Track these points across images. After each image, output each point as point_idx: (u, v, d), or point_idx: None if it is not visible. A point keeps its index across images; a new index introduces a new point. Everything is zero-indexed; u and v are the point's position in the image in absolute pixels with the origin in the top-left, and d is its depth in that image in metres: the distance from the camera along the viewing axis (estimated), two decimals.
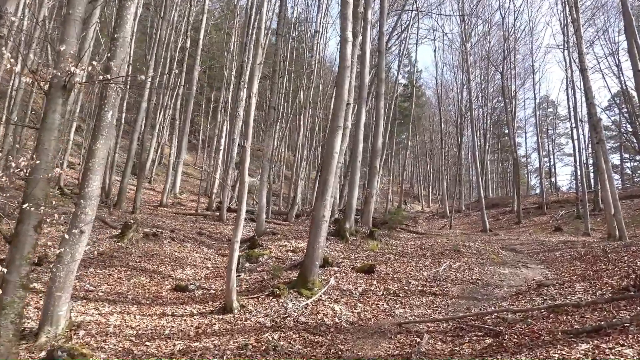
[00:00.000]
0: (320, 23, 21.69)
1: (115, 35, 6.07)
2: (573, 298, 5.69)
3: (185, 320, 6.22)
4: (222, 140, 20.30)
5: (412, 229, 16.72)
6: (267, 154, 13.12)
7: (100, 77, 4.01)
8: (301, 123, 21.60)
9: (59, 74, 3.76)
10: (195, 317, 6.35)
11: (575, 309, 4.84)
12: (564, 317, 4.82)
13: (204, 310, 6.61)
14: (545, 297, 5.97)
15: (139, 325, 5.96)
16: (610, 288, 5.80)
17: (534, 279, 7.67)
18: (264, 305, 6.54)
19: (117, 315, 6.39)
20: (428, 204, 42.10)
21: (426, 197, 43.50)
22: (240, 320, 5.97)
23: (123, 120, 19.71)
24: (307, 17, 28.18)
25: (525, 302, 5.94)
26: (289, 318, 5.85)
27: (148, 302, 7.27)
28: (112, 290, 7.83)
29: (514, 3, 34.85)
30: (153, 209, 17.27)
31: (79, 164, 21.17)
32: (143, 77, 4.40)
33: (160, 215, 16.22)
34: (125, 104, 19.70)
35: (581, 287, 6.24)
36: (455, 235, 14.52)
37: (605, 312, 4.74)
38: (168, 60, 25.20)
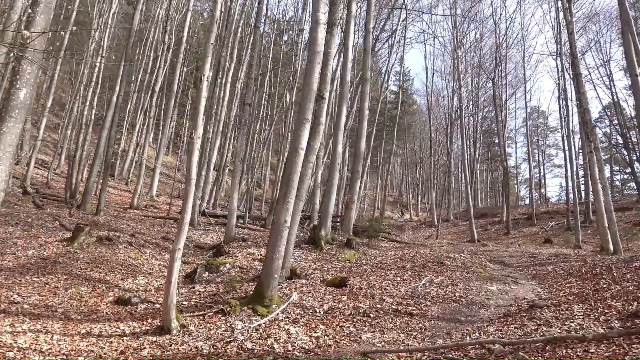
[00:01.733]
0: (305, 22, 20.83)
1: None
2: (572, 324, 4.78)
3: (111, 342, 5.18)
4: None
5: (396, 237, 15.80)
6: (241, 154, 12.14)
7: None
8: (285, 125, 20.68)
9: None
10: (125, 338, 5.31)
11: (578, 342, 3.92)
12: (564, 351, 3.91)
13: (138, 330, 5.57)
14: (538, 322, 5.05)
15: (51, 349, 4.91)
16: (615, 313, 4.90)
17: (524, 298, 6.76)
18: (209, 325, 5.52)
19: (32, 334, 5.32)
20: (417, 212, 41.43)
21: (415, 206, 42.83)
22: (176, 345, 4.95)
23: (93, 116, 18.61)
24: (299, 20, 27.41)
25: (515, 328, 5.01)
26: (232, 343, 4.85)
27: (79, 317, 6.21)
28: (42, 302, 6.75)
29: (506, 10, 34.46)
30: (121, 211, 16.13)
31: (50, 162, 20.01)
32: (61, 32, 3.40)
33: (127, 218, 15.08)
34: (96, 99, 18.61)
35: (580, 310, 5.33)
36: (440, 246, 13.61)
37: (614, 346, 3.83)
38: (151, 58, 24.27)
